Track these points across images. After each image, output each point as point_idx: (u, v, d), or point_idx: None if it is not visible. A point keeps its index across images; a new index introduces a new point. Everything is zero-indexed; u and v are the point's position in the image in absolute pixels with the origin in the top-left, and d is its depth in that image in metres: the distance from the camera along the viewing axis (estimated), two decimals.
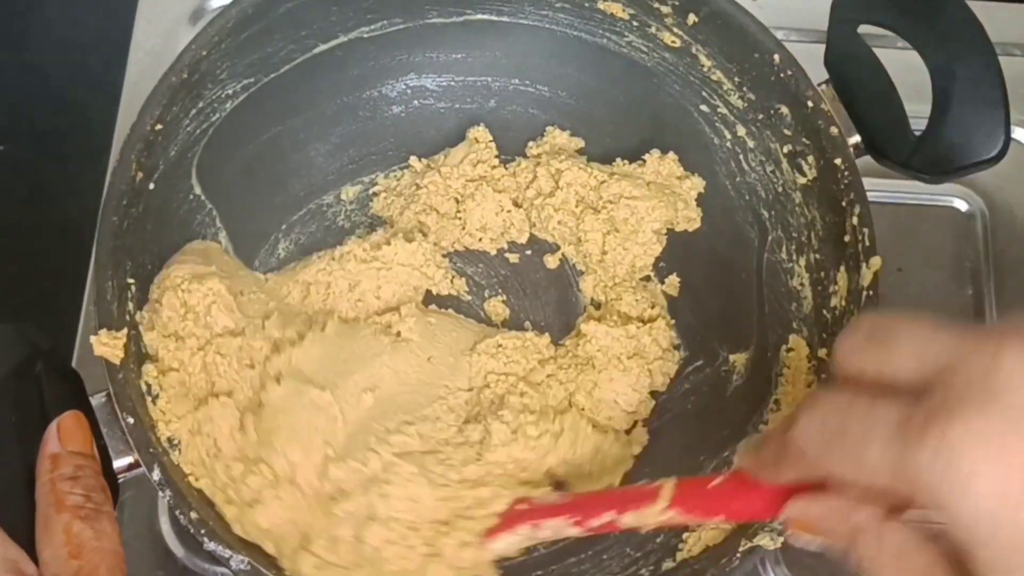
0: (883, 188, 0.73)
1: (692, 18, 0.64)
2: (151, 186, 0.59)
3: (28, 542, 0.49)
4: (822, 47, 0.62)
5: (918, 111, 0.59)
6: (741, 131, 0.66)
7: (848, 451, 0.38)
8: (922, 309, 0.69)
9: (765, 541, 0.53)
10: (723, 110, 0.66)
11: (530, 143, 0.71)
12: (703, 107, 0.67)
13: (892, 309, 0.67)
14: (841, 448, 0.38)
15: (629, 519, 0.50)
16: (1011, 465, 0.34)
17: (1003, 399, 0.34)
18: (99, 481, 0.51)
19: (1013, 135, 0.76)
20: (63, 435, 0.51)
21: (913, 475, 0.35)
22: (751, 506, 0.46)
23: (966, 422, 0.34)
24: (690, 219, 0.68)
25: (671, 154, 0.68)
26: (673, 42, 0.66)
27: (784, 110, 0.62)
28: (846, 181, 0.59)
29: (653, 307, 0.66)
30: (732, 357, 0.65)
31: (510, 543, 0.55)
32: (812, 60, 0.62)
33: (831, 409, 0.39)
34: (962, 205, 0.75)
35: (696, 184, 0.68)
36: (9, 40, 0.82)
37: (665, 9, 0.65)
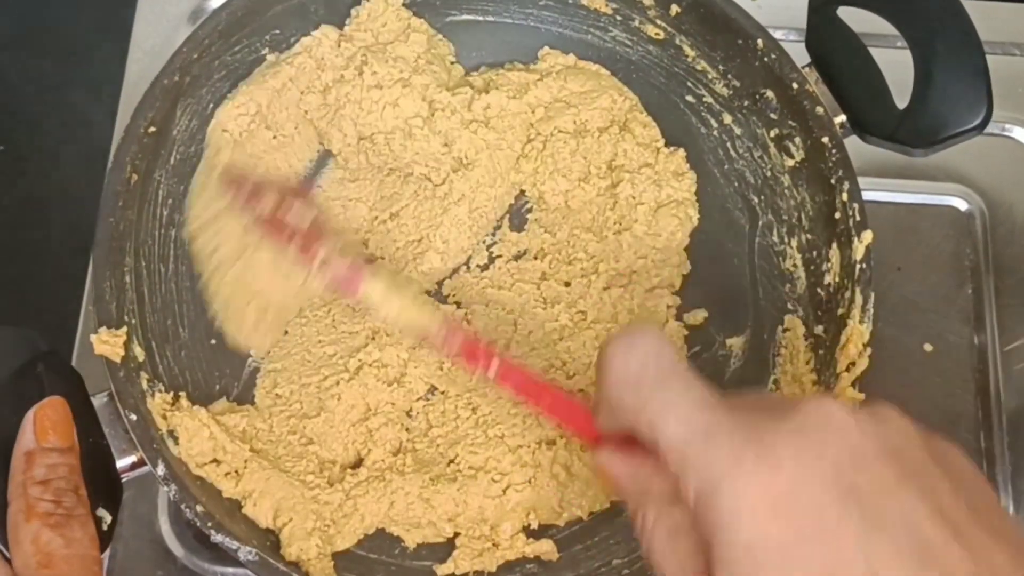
0: (883, 188, 0.74)
1: (674, 8, 0.65)
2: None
3: None
4: None
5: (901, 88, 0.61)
6: (727, 119, 0.67)
7: (644, 407, 0.40)
8: (922, 308, 0.71)
9: None
10: (708, 99, 0.67)
11: None
12: (688, 98, 0.68)
13: (892, 308, 0.69)
14: (638, 404, 0.41)
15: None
16: (773, 484, 0.36)
17: (798, 423, 0.37)
18: (72, 481, 0.49)
19: (1012, 134, 0.77)
20: (39, 428, 0.50)
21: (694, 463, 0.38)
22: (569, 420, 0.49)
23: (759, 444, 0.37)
24: (692, 217, 0.68)
25: (681, 151, 0.68)
26: (657, 34, 0.67)
27: (769, 94, 0.63)
28: (834, 159, 0.60)
29: (668, 308, 0.66)
30: (729, 341, 0.65)
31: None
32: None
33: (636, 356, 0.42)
34: (961, 204, 0.75)
35: (692, 178, 0.68)
36: (9, 40, 0.82)
37: (647, 1, 0.66)
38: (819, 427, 0.37)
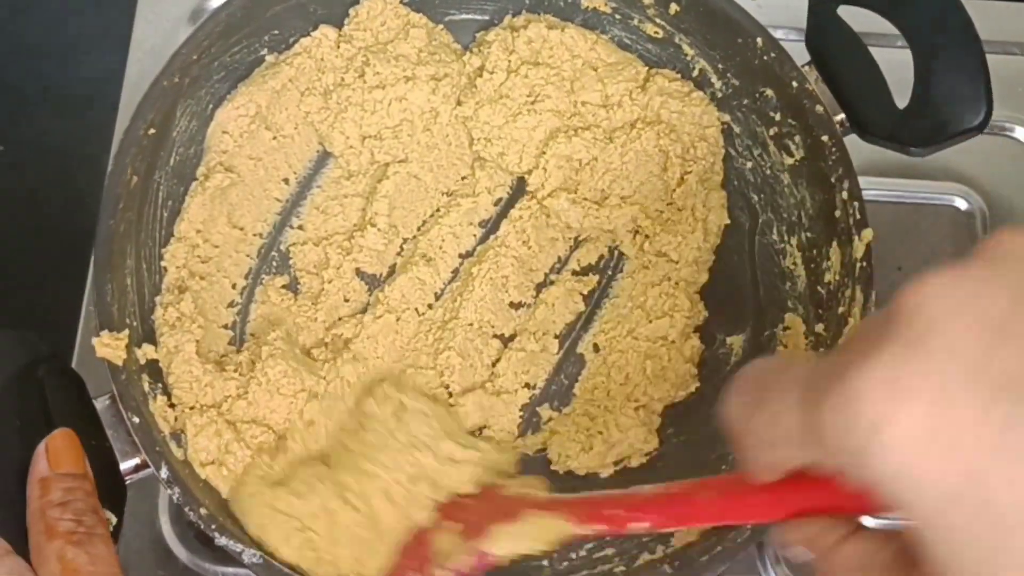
0: (883, 187, 0.74)
1: (674, 7, 0.65)
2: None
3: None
4: None
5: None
6: (726, 118, 0.67)
7: (764, 424, 0.35)
8: None
9: None
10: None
11: None
12: None
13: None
14: (758, 420, 0.35)
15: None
16: (917, 406, 0.29)
17: (903, 336, 0.31)
18: (90, 503, 0.49)
19: (1012, 134, 0.77)
20: (52, 456, 0.50)
21: (822, 436, 0.31)
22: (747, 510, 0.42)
23: (867, 368, 0.30)
24: None
25: None
26: (656, 33, 0.67)
27: (769, 93, 0.63)
28: (834, 157, 0.60)
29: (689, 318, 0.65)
30: (729, 340, 0.65)
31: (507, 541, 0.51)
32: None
33: (751, 379, 0.36)
34: (962, 204, 0.75)
35: None
36: (9, 40, 0.82)
37: (647, 0, 0.66)
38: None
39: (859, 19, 0.61)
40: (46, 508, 0.48)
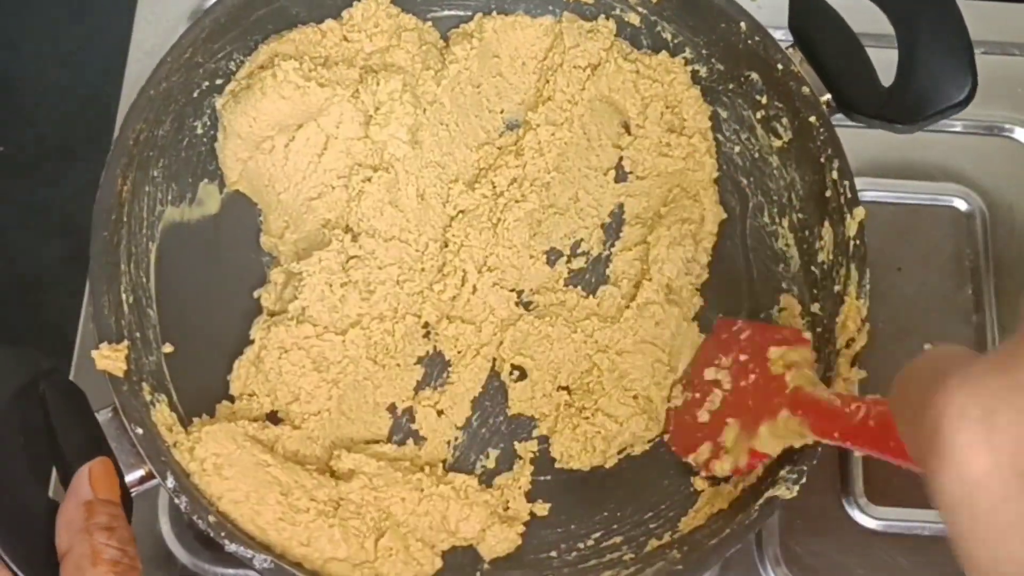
0: (883, 188, 0.74)
1: None
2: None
3: (41, 566, 0.48)
4: None
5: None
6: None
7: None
8: (922, 308, 0.70)
9: (782, 491, 0.54)
10: None
11: None
12: None
13: (892, 308, 0.69)
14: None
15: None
16: (998, 445, 0.30)
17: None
18: (130, 533, 0.50)
19: (1012, 134, 0.77)
20: (94, 482, 0.50)
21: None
22: None
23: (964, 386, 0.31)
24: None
25: None
26: (638, 22, 0.67)
27: (754, 76, 0.64)
28: (822, 138, 0.60)
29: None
30: None
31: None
32: None
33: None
34: (961, 204, 0.75)
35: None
36: (9, 40, 0.81)
37: None
38: None
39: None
40: (93, 531, 0.48)
